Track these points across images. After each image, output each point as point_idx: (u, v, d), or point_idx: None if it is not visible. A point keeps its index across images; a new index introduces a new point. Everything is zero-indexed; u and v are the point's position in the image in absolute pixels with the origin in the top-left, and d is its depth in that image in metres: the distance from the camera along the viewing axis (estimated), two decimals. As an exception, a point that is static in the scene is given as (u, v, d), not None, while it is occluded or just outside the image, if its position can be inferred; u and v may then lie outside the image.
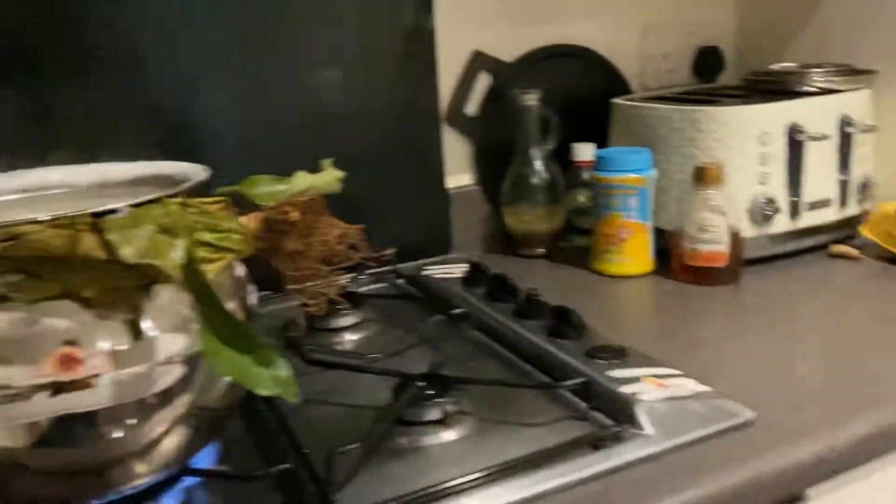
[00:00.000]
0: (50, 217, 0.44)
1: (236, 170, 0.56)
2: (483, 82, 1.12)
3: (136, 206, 0.47)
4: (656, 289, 0.95)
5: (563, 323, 0.78)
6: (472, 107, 1.12)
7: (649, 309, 0.93)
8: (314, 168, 0.60)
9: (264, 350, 0.44)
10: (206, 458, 0.59)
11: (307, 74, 0.98)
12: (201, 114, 0.93)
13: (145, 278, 0.47)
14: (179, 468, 0.55)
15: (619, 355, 0.72)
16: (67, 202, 0.60)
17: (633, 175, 0.96)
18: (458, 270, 1.00)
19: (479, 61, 1.10)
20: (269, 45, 0.96)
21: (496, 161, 1.11)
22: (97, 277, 0.45)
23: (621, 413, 0.63)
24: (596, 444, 0.60)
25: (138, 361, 0.47)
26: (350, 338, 0.86)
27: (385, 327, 0.87)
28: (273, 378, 0.44)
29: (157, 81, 0.90)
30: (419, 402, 0.65)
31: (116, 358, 0.46)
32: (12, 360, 0.44)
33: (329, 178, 0.62)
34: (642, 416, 0.62)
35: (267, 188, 0.59)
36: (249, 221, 0.58)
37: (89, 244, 0.44)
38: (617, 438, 0.60)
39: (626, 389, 0.65)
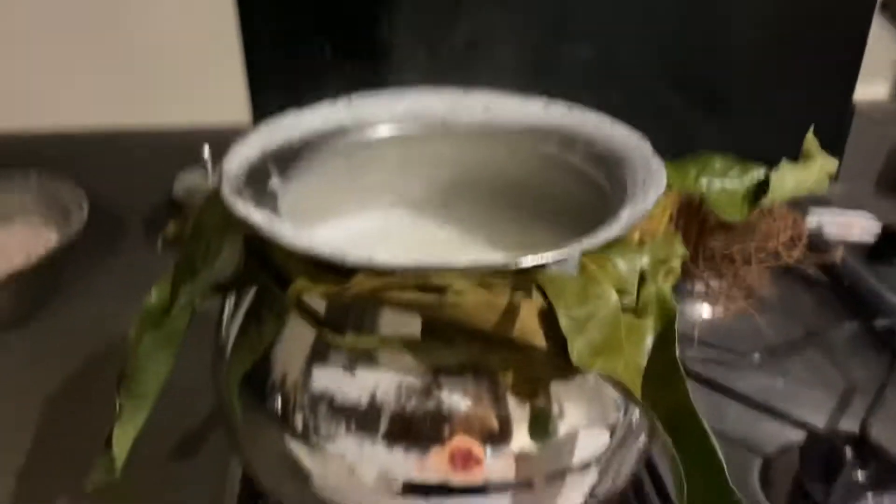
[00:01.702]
0: (480, 271, 0.28)
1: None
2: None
3: (587, 252, 0.30)
4: None
5: None
6: (927, -8, 0.80)
7: None
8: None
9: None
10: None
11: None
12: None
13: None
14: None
15: None
16: (445, 146, 0.44)
17: None
18: (857, 226, 0.76)
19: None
20: None
21: (939, 75, 0.81)
22: (520, 360, 0.30)
23: None
24: None
25: (546, 467, 0.33)
26: (705, 314, 0.65)
27: (760, 306, 0.66)
28: None
29: None
30: (847, 492, 0.47)
31: (521, 461, 0.32)
32: (396, 440, 0.31)
33: (820, 173, 0.41)
34: None
35: (728, 183, 0.39)
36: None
37: (528, 325, 0.28)
38: None
39: None
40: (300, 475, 0.34)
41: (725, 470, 0.27)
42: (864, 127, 0.85)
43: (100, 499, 0.42)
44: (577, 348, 0.28)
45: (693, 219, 0.42)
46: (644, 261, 0.31)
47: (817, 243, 0.74)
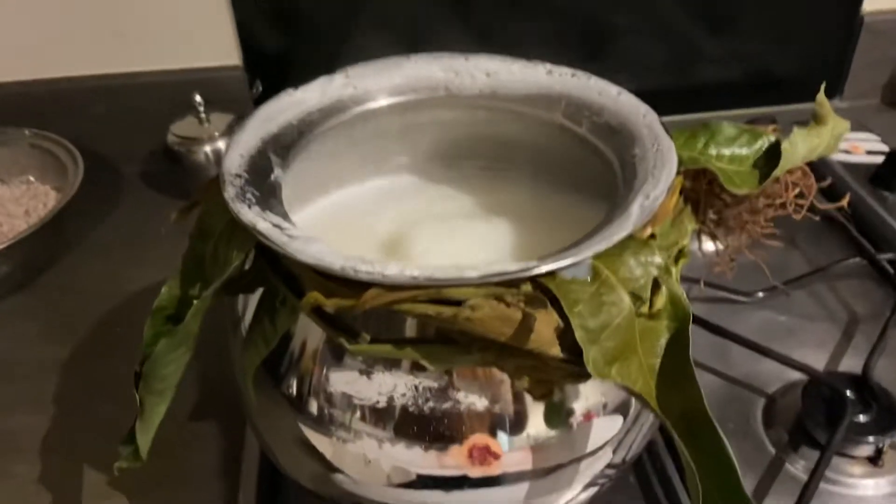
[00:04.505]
0: (494, 281, 0.28)
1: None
2: None
3: (599, 255, 0.30)
4: None
5: None
6: None
7: None
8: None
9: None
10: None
11: None
12: None
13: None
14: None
15: None
16: (447, 112, 0.43)
17: None
18: (861, 146, 0.75)
19: None
20: None
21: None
22: (534, 366, 0.30)
23: None
24: None
25: (563, 455, 0.34)
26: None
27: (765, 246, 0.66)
28: None
29: None
30: (849, 435, 0.48)
31: (537, 452, 0.33)
32: (414, 438, 0.32)
33: (832, 136, 0.40)
34: None
35: (737, 151, 0.38)
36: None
37: (544, 336, 0.29)
38: None
39: None
40: (315, 463, 0.35)
41: (738, 472, 0.27)
42: (871, 43, 0.82)
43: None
44: (592, 358, 0.28)
45: (699, 180, 0.41)
46: (656, 259, 0.31)
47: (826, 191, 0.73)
